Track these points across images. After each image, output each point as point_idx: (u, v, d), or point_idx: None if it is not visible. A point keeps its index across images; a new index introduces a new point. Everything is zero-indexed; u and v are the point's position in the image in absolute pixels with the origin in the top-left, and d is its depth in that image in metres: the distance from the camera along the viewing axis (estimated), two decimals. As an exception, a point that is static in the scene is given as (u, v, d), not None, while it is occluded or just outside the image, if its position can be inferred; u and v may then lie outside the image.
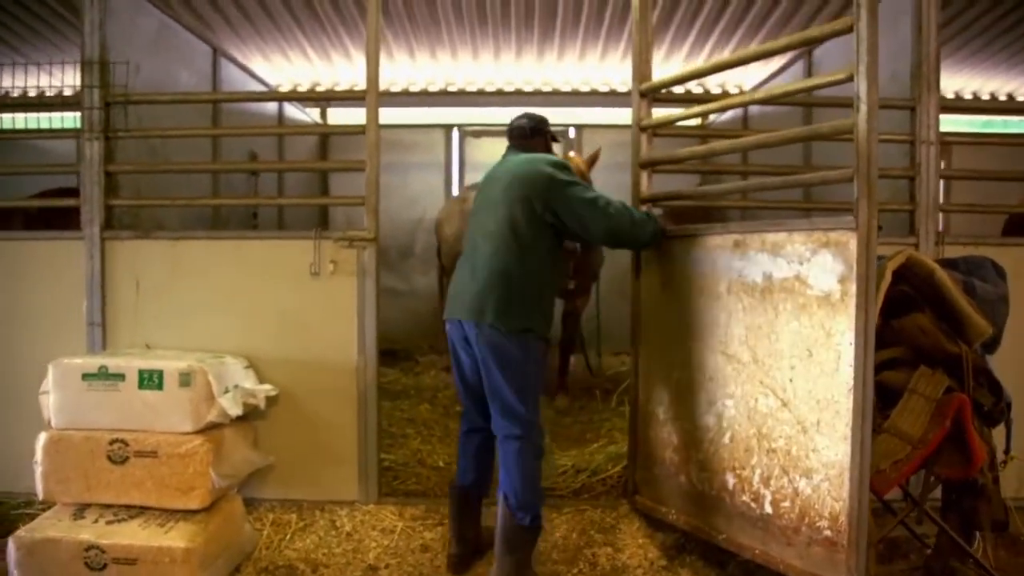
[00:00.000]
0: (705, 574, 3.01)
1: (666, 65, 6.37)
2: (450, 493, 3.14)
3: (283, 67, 6.72)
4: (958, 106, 6.63)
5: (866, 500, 2.38)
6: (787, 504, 2.62)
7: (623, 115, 5.36)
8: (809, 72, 5.09)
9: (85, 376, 3.00)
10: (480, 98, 7.35)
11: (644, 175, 3.48)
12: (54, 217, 3.98)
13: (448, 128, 7.65)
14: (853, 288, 2.39)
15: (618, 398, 4.82)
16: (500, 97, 7.31)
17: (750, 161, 5.59)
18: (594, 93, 7.36)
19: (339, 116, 7.79)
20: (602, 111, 7.53)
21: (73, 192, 3.76)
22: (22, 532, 2.86)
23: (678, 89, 3.90)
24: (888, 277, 2.56)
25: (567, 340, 5.28)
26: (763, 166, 4.62)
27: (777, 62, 5.64)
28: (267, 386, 3.38)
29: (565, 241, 3.10)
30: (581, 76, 7.18)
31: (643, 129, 3.48)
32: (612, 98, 7.26)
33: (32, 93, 3.90)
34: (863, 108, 2.39)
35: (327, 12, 5.62)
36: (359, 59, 6.34)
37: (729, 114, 6.55)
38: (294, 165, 6.74)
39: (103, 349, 3.53)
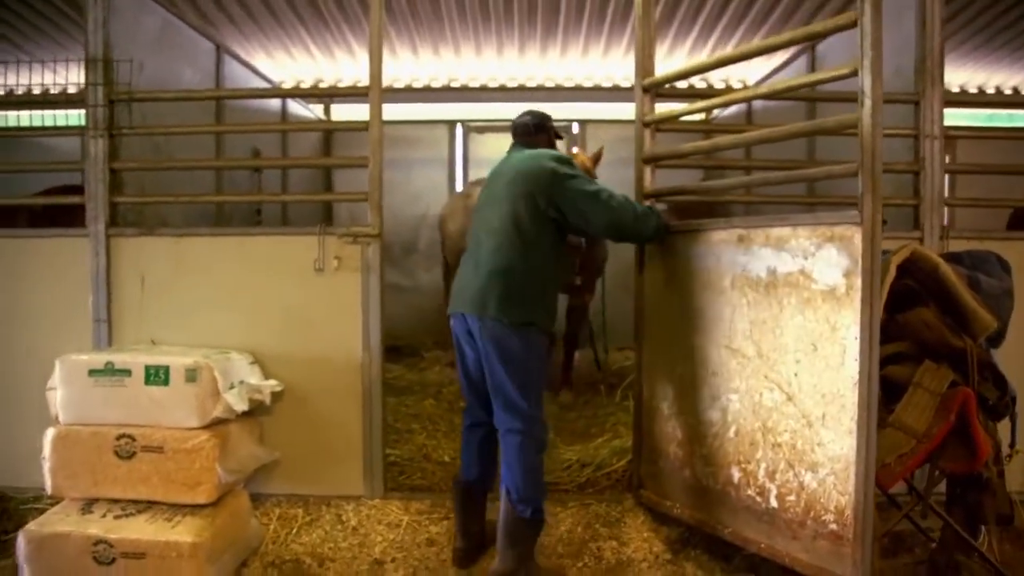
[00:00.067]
0: (710, 568, 3.02)
1: (669, 60, 6.36)
2: (454, 488, 3.15)
3: (286, 63, 6.73)
4: (963, 100, 6.62)
5: (871, 494, 2.38)
6: (792, 498, 2.62)
7: (626, 110, 5.35)
8: (813, 66, 5.08)
9: (92, 372, 3.01)
10: (483, 94, 7.35)
11: (647, 170, 3.48)
12: (59, 214, 3.99)
13: (451, 124, 7.64)
14: (858, 282, 2.39)
15: (622, 393, 4.83)
16: (503, 93, 7.30)
17: (753, 156, 5.60)
18: (597, 89, 7.36)
19: (342, 112, 7.78)
20: (605, 107, 7.51)
21: (78, 189, 3.77)
22: (32, 527, 2.88)
23: (681, 84, 3.90)
24: (892, 271, 2.56)
25: (571, 335, 5.28)
26: (767, 161, 4.62)
27: (780, 57, 5.63)
28: (272, 382, 3.40)
29: (570, 236, 3.11)
30: (584, 72, 7.17)
31: (646, 124, 3.47)
32: (615, 93, 7.25)
33: (37, 91, 3.90)
34: (867, 103, 2.38)
35: (330, 8, 5.63)
36: (362, 55, 6.35)
37: (732, 109, 6.53)
38: (297, 161, 6.75)
39: (109, 345, 3.55)
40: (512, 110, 3.40)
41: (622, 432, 4.17)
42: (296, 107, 6.81)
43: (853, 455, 2.39)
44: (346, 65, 6.81)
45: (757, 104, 6.18)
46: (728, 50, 6.06)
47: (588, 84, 7.34)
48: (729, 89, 6.90)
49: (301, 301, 3.52)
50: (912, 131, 3.56)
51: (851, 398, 2.41)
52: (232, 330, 3.52)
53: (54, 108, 3.93)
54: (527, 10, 5.70)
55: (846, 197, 3.15)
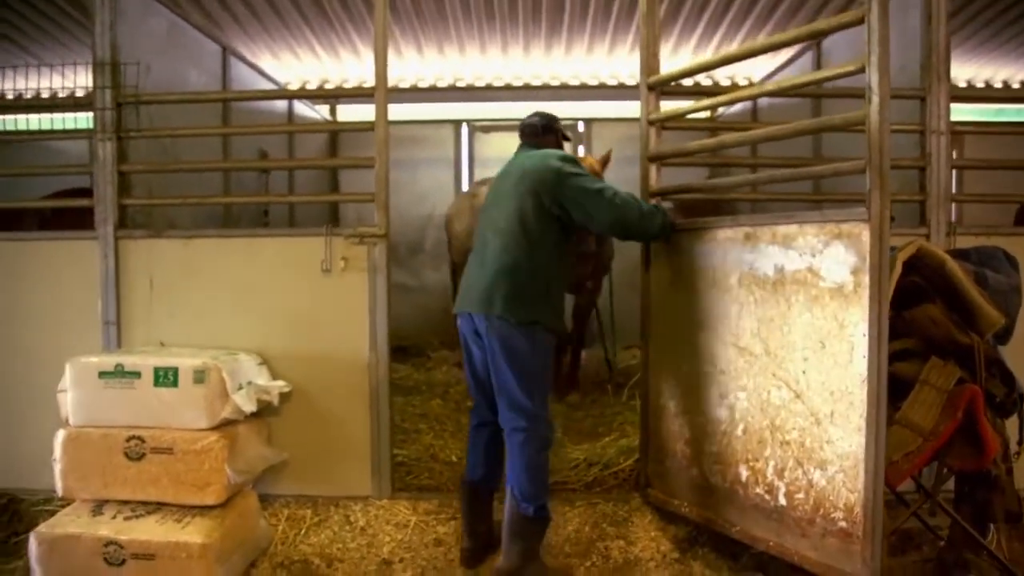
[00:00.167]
0: (717, 567, 3.01)
1: (674, 58, 6.36)
2: (461, 489, 3.16)
3: (292, 65, 6.75)
4: (969, 95, 6.56)
5: (881, 491, 2.38)
6: (801, 496, 2.62)
7: (631, 109, 5.36)
8: (818, 63, 5.06)
9: (102, 374, 3.03)
10: (488, 93, 7.35)
11: (653, 169, 3.48)
12: (68, 217, 4.01)
13: (457, 123, 7.65)
14: (866, 279, 2.38)
15: (629, 392, 4.83)
16: (508, 92, 7.31)
17: (759, 153, 5.59)
18: (602, 87, 7.36)
19: (348, 113, 7.80)
20: (610, 105, 7.51)
21: (86, 192, 3.79)
22: (43, 528, 2.90)
23: (687, 82, 3.89)
24: (899, 268, 2.56)
25: (578, 335, 5.28)
26: (772, 158, 4.61)
27: (785, 54, 5.61)
28: (280, 383, 3.41)
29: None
30: (589, 70, 7.17)
31: (651, 123, 3.47)
32: (620, 92, 7.25)
33: (45, 95, 3.92)
34: (875, 99, 2.38)
35: (335, 9, 5.64)
36: (367, 56, 6.37)
37: (738, 106, 6.52)
38: (304, 162, 6.77)
39: (118, 347, 3.57)
40: (517, 109, 3.41)
41: (629, 431, 4.17)
42: (302, 108, 6.83)
43: (862, 452, 2.39)
44: (351, 65, 6.83)
45: (762, 101, 6.15)
46: (733, 47, 6.06)
47: (593, 82, 7.34)
48: (735, 86, 6.87)
49: (308, 302, 3.53)
50: (918, 127, 3.55)
51: (860, 395, 2.41)
52: (240, 331, 3.53)
53: (62, 111, 3.93)
54: (532, 9, 5.70)
55: (852, 194, 3.15)
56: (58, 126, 3.85)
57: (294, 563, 3.11)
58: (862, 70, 2.42)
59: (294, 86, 7.11)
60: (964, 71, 6.77)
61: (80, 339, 3.55)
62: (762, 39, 4.35)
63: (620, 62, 6.87)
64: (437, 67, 7.05)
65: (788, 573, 2.76)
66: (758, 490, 2.79)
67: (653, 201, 3.42)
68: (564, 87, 7.37)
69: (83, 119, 3.85)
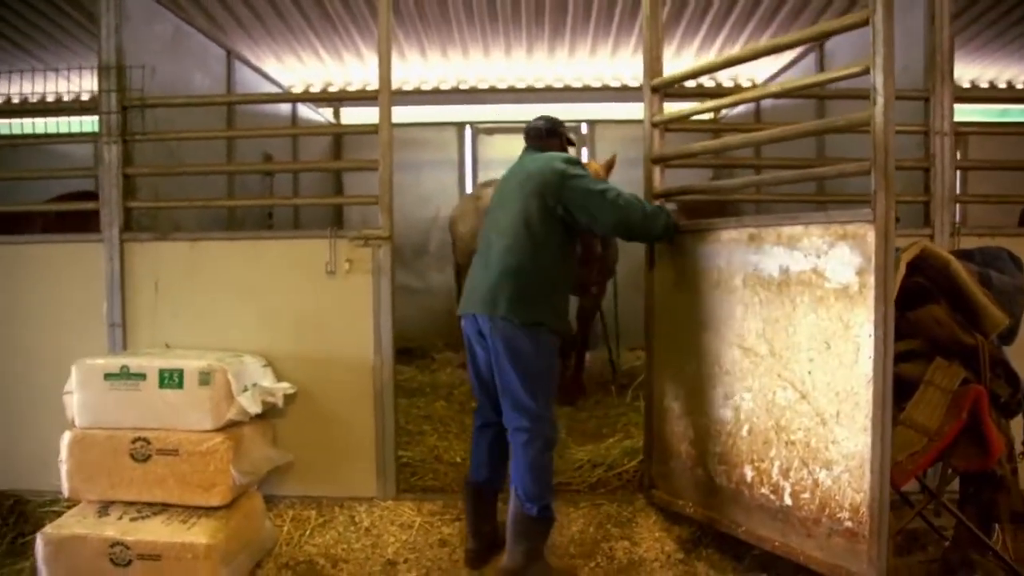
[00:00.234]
0: (722, 567, 3.02)
1: (677, 60, 6.36)
2: (465, 490, 3.17)
3: (296, 68, 6.77)
4: (973, 96, 6.55)
5: (887, 491, 2.38)
6: (807, 496, 2.62)
7: (635, 111, 5.37)
8: (821, 64, 5.06)
9: (107, 376, 3.04)
10: (492, 95, 7.36)
11: (657, 170, 3.48)
12: (70, 220, 4.02)
13: (460, 126, 7.66)
14: (871, 280, 2.39)
15: (633, 393, 4.83)
16: (512, 94, 7.31)
17: (763, 155, 5.58)
18: (606, 89, 7.35)
19: (352, 116, 7.82)
20: (614, 107, 7.51)
21: (92, 195, 3.81)
22: (49, 529, 2.91)
23: (690, 84, 3.89)
24: (903, 269, 2.56)
25: (582, 338, 5.28)
26: (776, 159, 4.61)
27: (788, 55, 5.61)
28: (285, 384, 3.42)
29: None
30: (592, 72, 7.17)
31: (655, 125, 3.47)
32: (624, 94, 7.24)
33: (50, 98, 3.95)
34: (880, 101, 2.38)
35: (338, 12, 5.66)
36: (371, 58, 6.38)
37: (741, 108, 6.52)
38: (308, 165, 6.78)
39: (124, 349, 3.58)
40: (521, 111, 3.43)
41: (633, 432, 4.17)
42: (306, 111, 6.85)
43: (868, 452, 2.39)
44: (355, 68, 6.84)
45: (765, 102, 6.16)
46: (736, 49, 6.06)
47: (596, 84, 7.34)
48: (738, 88, 6.87)
49: (313, 304, 3.54)
50: (922, 127, 3.55)
51: (865, 396, 2.41)
52: (245, 333, 3.54)
53: (68, 115, 3.95)
54: (535, 11, 5.71)
55: (856, 195, 3.15)
56: (63, 130, 3.87)
57: (299, 564, 3.12)
58: (867, 71, 2.43)
59: (298, 89, 7.12)
60: (968, 72, 6.75)
61: (86, 341, 3.56)
62: (766, 41, 4.35)
63: (623, 64, 6.87)
64: (440, 69, 7.06)
65: (792, 573, 2.76)
66: (763, 490, 2.80)
67: (657, 203, 3.43)
68: (567, 89, 7.37)
69: (88, 123, 3.87)
